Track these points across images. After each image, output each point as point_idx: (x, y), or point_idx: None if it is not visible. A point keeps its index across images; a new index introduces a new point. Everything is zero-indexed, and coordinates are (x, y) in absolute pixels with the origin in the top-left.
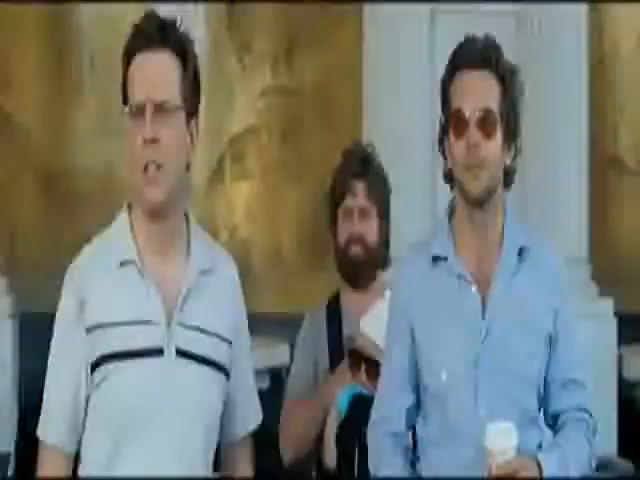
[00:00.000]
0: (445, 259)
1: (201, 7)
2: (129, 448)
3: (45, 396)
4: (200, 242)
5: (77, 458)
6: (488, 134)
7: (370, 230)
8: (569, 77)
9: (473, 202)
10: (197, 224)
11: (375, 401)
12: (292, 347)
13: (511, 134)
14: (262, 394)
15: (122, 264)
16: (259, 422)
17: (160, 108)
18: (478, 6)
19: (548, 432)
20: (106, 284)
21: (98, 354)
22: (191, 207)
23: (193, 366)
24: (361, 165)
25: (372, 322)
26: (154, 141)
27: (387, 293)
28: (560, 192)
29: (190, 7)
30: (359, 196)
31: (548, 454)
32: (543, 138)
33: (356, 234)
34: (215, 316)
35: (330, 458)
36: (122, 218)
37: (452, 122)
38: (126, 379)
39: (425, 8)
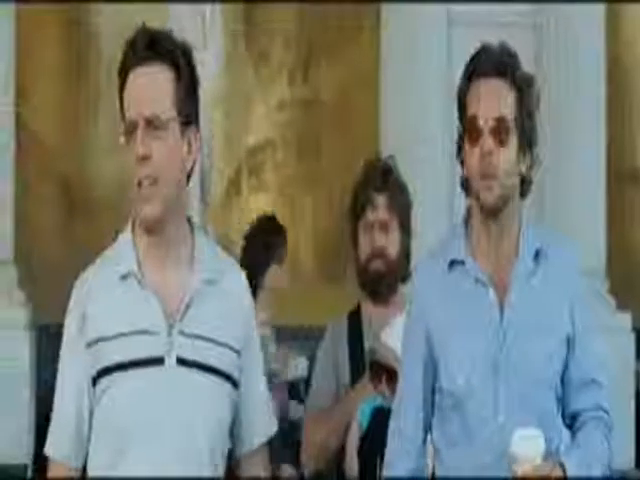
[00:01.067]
0: (462, 263)
1: (218, 19)
2: (130, 458)
3: (53, 412)
4: (206, 250)
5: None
6: (502, 142)
7: (391, 244)
8: (587, 89)
9: (487, 211)
10: (204, 233)
11: (392, 410)
12: (310, 359)
13: (527, 143)
14: None
15: (123, 277)
16: (272, 433)
17: (151, 123)
18: (495, 15)
19: (566, 432)
20: (107, 297)
21: (99, 367)
22: (208, 218)
23: (195, 374)
24: (382, 178)
25: (393, 334)
26: (146, 158)
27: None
28: (578, 205)
29: (207, 19)
30: (380, 210)
31: (570, 457)
32: (561, 150)
33: (377, 248)
34: (221, 325)
35: (352, 470)
36: (126, 232)
37: (467, 130)
38: (126, 390)
39: (442, 18)
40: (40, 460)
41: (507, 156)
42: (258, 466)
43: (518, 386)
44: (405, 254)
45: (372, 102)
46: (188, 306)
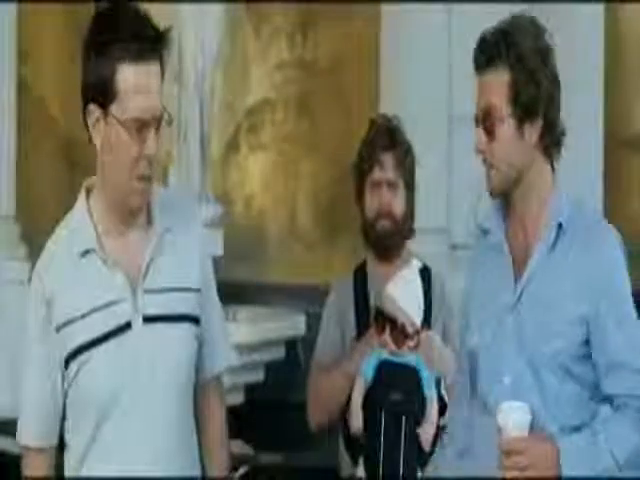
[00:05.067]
0: (488, 231)
1: None
2: (111, 429)
3: (22, 396)
4: (160, 203)
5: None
6: (491, 134)
7: (398, 202)
8: (585, 59)
9: (496, 196)
10: (159, 187)
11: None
12: (308, 317)
13: (530, 113)
14: (278, 364)
15: (83, 254)
16: (230, 363)
17: (159, 124)
18: None
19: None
20: (70, 279)
21: (71, 348)
22: (207, 178)
23: (163, 328)
24: (389, 137)
25: (398, 286)
26: (151, 158)
27: (414, 262)
28: (574, 172)
29: None
30: (387, 169)
31: (571, 436)
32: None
33: (384, 207)
34: (182, 269)
35: (356, 423)
36: (80, 205)
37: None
38: (100, 364)
39: None
40: None
41: (500, 146)
42: (210, 396)
43: (524, 355)
44: (410, 212)
45: (371, 63)
46: (149, 263)
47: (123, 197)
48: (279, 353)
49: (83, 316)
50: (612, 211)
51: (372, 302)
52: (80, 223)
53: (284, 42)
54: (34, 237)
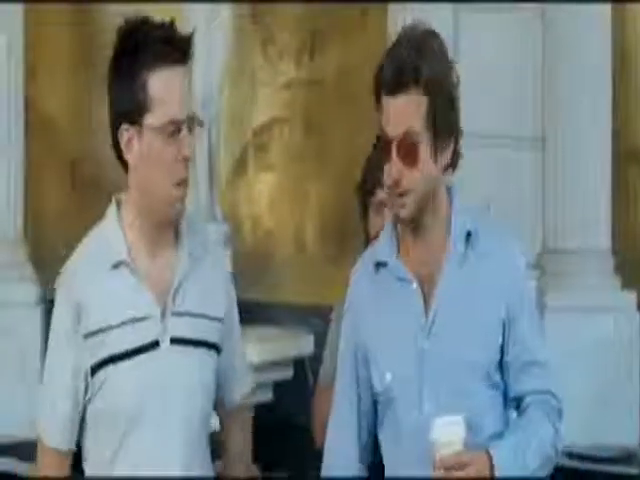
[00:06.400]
0: (386, 264)
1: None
2: (136, 439)
3: (43, 401)
4: (189, 229)
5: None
6: (411, 162)
7: None
8: (593, 72)
9: (406, 223)
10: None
11: (327, 436)
12: (316, 337)
13: (445, 134)
14: (286, 384)
15: (114, 266)
16: (250, 394)
17: (193, 125)
18: None
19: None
20: (100, 289)
21: (97, 359)
22: (215, 198)
23: (189, 351)
24: None
25: None
26: (189, 158)
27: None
28: (583, 184)
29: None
30: None
31: (500, 444)
32: (566, 132)
33: None
34: (207, 298)
35: None
36: (111, 217)
37: (382, 143)
38: (127, 377)
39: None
40: None
41: (418, 173)
42: (235, 426)
43: (445, 377)
44: None
45: None
46: (179, 286)
47: (162, 208)
48: (287, 373)
49: (112, 328)
50: (621, 221)
51: None
52: (111, 235)
53: (292, 61)
54: (41, 259)
